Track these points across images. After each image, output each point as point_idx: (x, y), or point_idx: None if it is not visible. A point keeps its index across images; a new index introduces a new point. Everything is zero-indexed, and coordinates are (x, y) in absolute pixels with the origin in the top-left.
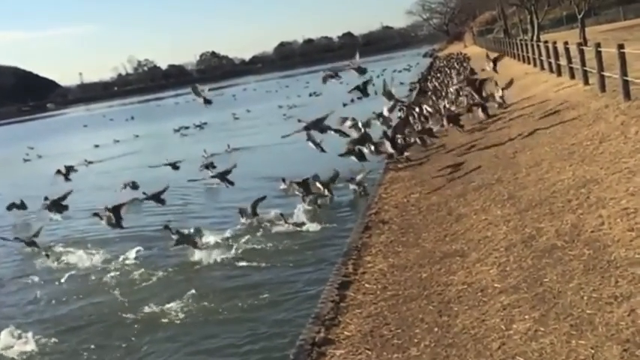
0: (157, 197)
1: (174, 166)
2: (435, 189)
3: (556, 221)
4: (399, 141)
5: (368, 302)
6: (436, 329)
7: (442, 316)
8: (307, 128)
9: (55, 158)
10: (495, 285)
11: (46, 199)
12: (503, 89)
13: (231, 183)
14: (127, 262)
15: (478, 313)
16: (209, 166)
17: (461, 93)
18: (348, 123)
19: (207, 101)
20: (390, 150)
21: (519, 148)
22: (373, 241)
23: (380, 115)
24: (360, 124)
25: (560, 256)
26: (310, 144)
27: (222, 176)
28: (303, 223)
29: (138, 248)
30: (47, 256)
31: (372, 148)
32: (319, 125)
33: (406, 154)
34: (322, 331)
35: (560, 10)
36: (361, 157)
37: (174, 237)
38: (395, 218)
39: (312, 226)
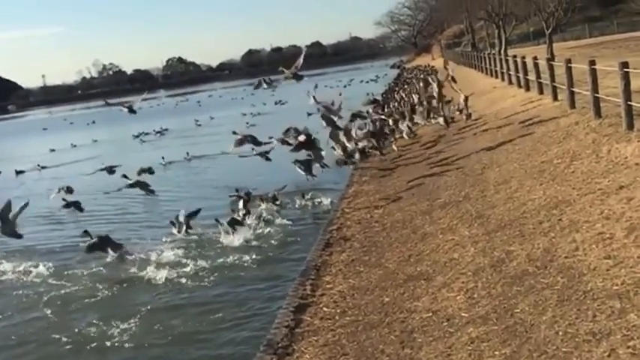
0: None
1: (111, 170)
2: (399, 205)
3: (527, 244)
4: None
5: (325, 328)
6: None
7: (405, 348)
8: (241, 142)
9: (9, 162)
10: (462, 314)
11: None
12: (465, 99)
13: (152, 192)
14: (68, 276)
15: (443, 346)
16: (109, 170)
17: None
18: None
19: (132, 111)
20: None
21: (487, 163)
22: (334, 260)
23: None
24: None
25: (533, 284)
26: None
27: (143, 186)
28: (256, 237)
29: (79, 261)
30: None
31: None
32: (254, 140)
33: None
34: None
35: (527, 26)
36: (308, 169)
37: (89, 242)
38: (357, 235)
39: (269, 241)
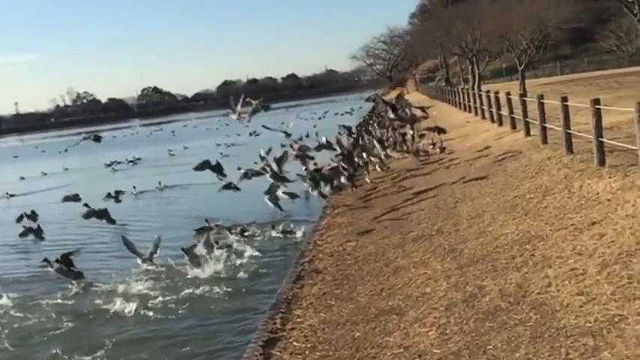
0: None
1: (75, 198)
2: (372, 237)
3: (500, 279)
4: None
5: None
6: None
7: None
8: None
9: None
10: (434, 350)
11: None
12: (439, 132)
13: (112, 221)
14: (32, 307)
15: None
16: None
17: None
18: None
19: (97, 139)
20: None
21: (460, 197)
22: (305, 293)
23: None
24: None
25: (505, 320)
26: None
27: (101, 215)
28: (226, 269)
29: (44, 292)
30: None
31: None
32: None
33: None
34: None
35: (500, 62)
36: (276, 201)
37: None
38: (329, 268)
39: (240, 273)
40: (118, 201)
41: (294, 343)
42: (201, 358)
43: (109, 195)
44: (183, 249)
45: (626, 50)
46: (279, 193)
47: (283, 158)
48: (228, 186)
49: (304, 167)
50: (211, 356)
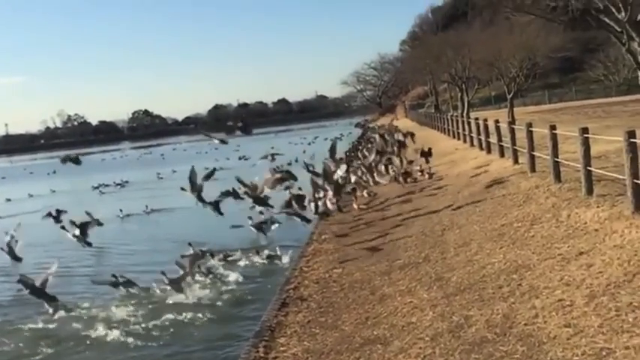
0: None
1: (57, 218)
2: (358, 264)
3: (486, 309)
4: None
5: None
6: None
7: None
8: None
9: None
10: None
11: None
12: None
13: (89, 244)
14: (11, 332)
15: None
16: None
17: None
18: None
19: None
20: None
21: (448, 225)
22: (289, 320)
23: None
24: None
25: (491, 352)
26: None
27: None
28: (210, 295)
29: (24, 317)
30: None
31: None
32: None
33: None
34: None
35: (489, 89)
36: (260, 226)
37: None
38: (315, 295)
39: (223, 299)
40: (58, 221)
41: None
42: None
43: (49, 214)
44: (162, 273)
45: (614, 80)
46: (262, 218)
47: (266, 182)
48: (215, 205)
49: (287, 191)
50: None
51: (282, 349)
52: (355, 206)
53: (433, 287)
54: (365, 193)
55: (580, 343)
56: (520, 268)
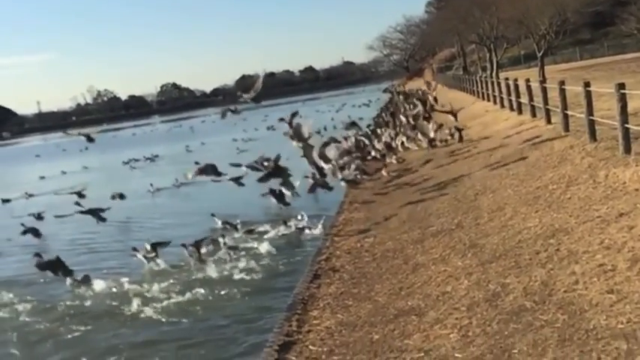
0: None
1: (80, 194)
2: (390, 233)
3: (523, 277)
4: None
5: None
6: None
7: None
8: (202, 171)
9: None
10: (456, 354)
11: None
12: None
13: (103, 219)
14: (41, 309)
15: None
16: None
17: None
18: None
19: (90, 139)
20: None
21: (480, 189)
22: (322, 293)
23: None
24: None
25: (531, 321)
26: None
27: (93, 213)
28: (240, 268)
29: (53, 294)
30: None
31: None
32: (214, 170)
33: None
34: None
35: (519, 49)
36: (281, 198)
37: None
38: (347, 266)
39: (255, 272)
40: (122, 198)
41: (311, 347)
42: None
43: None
44: (183, 245)
45: None
46: (283, 188)
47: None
48: (236, 179)
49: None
50: (227, 358)
51: (315, 322)
52: (384, 173)
53: (467, 254)
54: (394, 160)
55: (624, 310)
56: (557, 232)
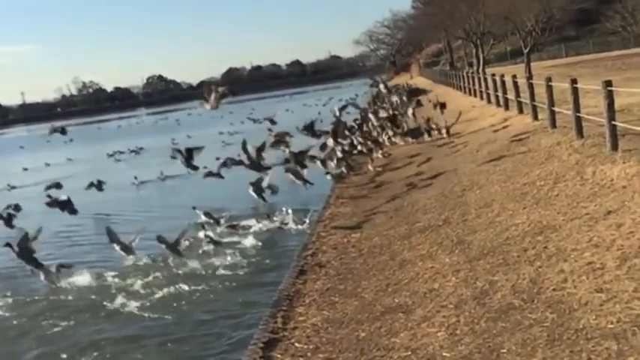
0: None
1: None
2: (377, 229)
3: (512, 274)
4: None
5: None
6: None
7: None
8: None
9: None
10: (444, 354)
11: None
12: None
13: (75, 212)
14: (18, 303)
15: None
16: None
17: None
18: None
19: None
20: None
21: (467, 185)
22: (307, 289)
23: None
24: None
25: (519, 320)
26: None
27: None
28: (224, 263)
29: (31, 289)
30: None
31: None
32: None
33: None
34: None
35: (505, 45)
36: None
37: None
38: (333, 261)
39: (240, 267)
40: (59, 187)
41: (296, 344)
42: (200, 357)
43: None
44: (158, 237)
45: (632, 31)
46: (264, 184)
47: (263, 146)
48: (210, 174)
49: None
50: (211, 355)
51: (301, 318)
52: (371, 167)
53: (455, 251)
54: (380, 154)
55: (614, 309)
56: (545, 230)
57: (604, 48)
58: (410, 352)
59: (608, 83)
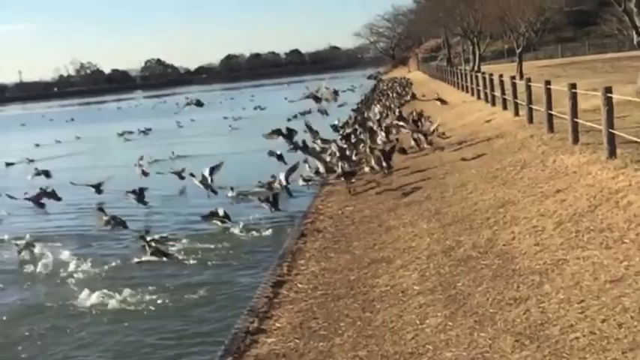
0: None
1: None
2: (368, 203)
3: (474, 235)
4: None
5: (299, 299)
6: (359, 323)
7: (365, 312)
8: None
9: None
10: (415, 287)
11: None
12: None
13: (100, 191)
14: (67, 256)
15: (397, 310)
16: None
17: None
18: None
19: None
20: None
21: (449, 170)
22: (307, 247)
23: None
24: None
25: (474, 265)
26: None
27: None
28: (243, 229)
29: (77, 244)
30: None
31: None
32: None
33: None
34: (256, 321)
35: (502, 43)
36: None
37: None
38: (329, 228)
39: (251, 232)
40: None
41: (299, 285)
42: (214, 300)
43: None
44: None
45: (628, 34)
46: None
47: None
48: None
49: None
50: (224, 299)
51: (302, 268)
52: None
53: (432, 220)
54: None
55: (543, 256)
56: (506, 204)
57: (599, 50)
58: (389, 288)
59: (573, 86)
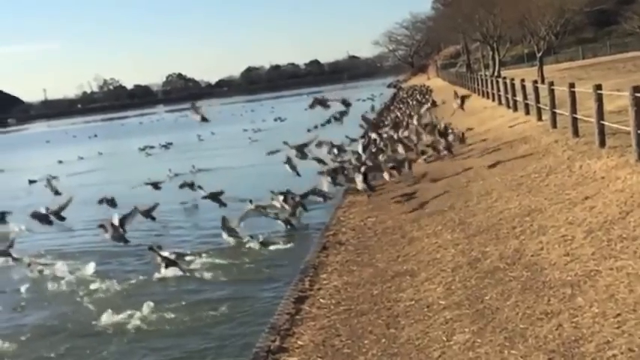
0: (147, 213)
1: (156, 186)
2: (390, 214)
3: (500, 246)
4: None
5: (321, 315)
6: (384, 340)
7: (390, 329)
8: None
9: (17, 172)
10: (440, 302)
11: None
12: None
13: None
14: (87, 274)
15: (423, 326)
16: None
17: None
18: (325, 148)
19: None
20: (361, 185)
21: (472, 177)
22: (329, 260)
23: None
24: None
25: (501, 277)
26: (287, 167)
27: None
28: (263, 243)
29: (97, 261)
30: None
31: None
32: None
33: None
34: (277, 340)
35: (522, 47)
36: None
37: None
38: (351, 240)
39: (271, 246)
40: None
41: (321, 300)
42: (236, 317)
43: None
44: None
45: None
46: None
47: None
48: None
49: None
50: (246, 316)
51: (324, 282)
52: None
53: (456, 230)
54: None
55: (574, 267)
56: (532, 212)
57: (621, 49)
58: (414, 302)
59: (599, 87)
